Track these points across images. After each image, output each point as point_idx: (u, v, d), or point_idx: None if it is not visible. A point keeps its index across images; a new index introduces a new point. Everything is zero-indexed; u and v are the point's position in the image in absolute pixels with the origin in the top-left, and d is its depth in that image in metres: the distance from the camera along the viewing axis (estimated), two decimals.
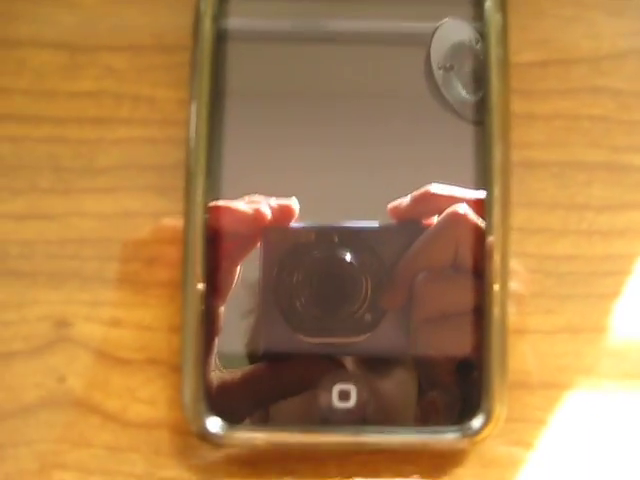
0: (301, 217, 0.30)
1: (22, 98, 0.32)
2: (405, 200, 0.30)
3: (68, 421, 0.31)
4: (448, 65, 0.31)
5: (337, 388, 0.29)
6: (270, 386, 0.30)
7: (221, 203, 0.30)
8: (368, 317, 0.30)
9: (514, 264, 0.31)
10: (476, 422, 0.29)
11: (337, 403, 0.29)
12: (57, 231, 0.32)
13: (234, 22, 0.31)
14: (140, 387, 0.31)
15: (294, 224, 0.30)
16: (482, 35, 0.31)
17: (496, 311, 0.29)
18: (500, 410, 0.29)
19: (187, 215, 0.30)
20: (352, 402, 0.29)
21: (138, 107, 0.32)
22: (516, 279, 0.31)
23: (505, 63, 0.30)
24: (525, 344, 0.31)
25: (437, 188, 0.30)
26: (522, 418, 0.31)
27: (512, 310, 0.30)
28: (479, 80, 0.31)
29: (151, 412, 0.31)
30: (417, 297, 0.30)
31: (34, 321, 0.31)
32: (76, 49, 0.32)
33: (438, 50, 0.31)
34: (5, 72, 0.32)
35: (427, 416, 0.29)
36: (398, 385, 0.30)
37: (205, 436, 0.29)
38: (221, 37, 0.31)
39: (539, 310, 0.31)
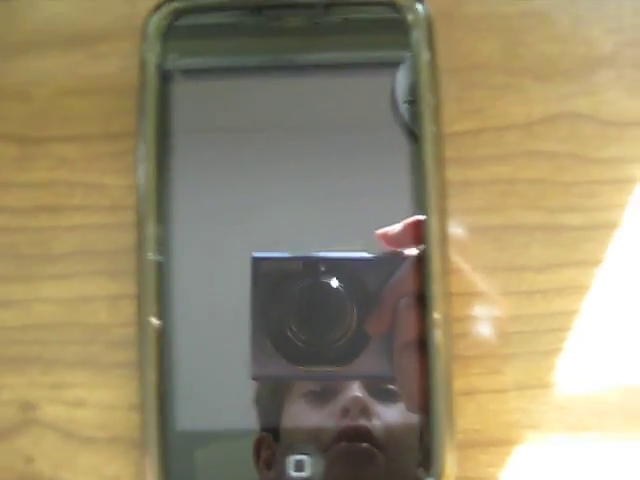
0: (279, 248, 0.31)
1: None
2: (395, 227, 0.31)
3: None
4: (413, 99, 0.32)
5: (292, 459, 0.31)
6: None
7: None
8: (354, 344, 0.31)
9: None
10: None
11: (293, 473, 0.31)
12: (18, 317, 0.33)
13: (178, 63, 0.32)
14: (105, 465, 0.32)
15: (282, 254, 0.31)
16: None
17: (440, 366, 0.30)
18: (450, 471, 0.30)
19: (141, 295, 0.31)
20: (307, 473, 0.31)
21: (89, 195, 0.33)
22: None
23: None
24: (473, 404, 0.32)
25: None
26: (475, 476, 0.32)
27: (459, 372, 0.32)
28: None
29: None
30: (399, 324, 0.31)
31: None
32: (28, 140, 0.33)
33: (402, 84, 0.32)
34: None
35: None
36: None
37: None
38: (166, 78, 0.32)
39: (486, 371, 0.32)
